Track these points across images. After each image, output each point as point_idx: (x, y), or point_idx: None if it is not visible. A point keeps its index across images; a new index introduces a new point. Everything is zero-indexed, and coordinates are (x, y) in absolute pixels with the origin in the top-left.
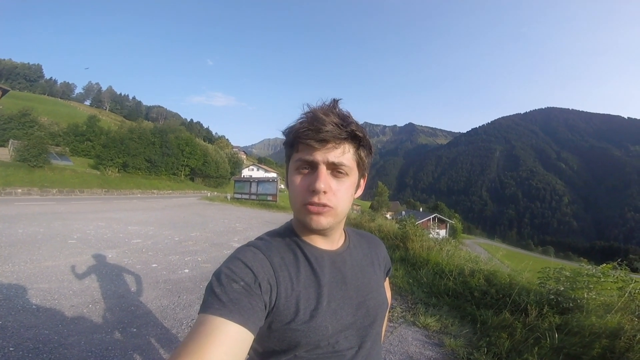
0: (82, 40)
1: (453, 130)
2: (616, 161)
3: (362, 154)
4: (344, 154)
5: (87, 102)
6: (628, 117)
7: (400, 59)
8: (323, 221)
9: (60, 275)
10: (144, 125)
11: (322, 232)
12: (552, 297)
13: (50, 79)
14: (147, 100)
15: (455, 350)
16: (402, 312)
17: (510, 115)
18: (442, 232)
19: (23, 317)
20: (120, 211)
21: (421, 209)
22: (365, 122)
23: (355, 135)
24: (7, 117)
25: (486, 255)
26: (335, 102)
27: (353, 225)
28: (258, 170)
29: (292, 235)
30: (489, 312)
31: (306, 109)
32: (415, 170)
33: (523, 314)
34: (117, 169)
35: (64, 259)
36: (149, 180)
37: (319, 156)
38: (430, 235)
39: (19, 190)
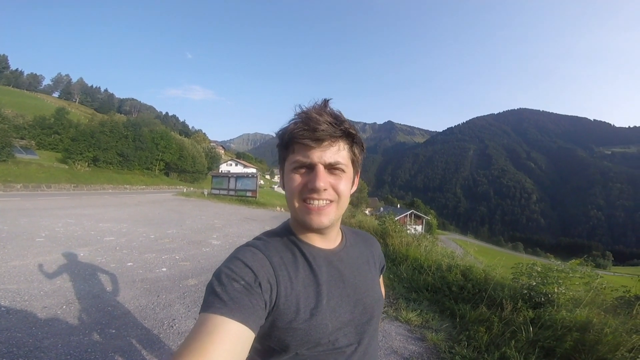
0: (51, 31)
1: (430, 129)
2: (581, 161)
3: (356, 151)
4: (339, 152)
5: (56, 94)
6: (594, 119)
7: (381, 57)
8: (324, 219)
9: (29, 275)
10: (116, 118)
11: (321, 231)
12: (525, 292)
13: (17, 70)
14: (120, 93)
15: (437, 344)
16: (384, 308)
17: (484, 116)
18: (419, 228)
19: None
20: (91, 207)
21: (398, 206)
22: None
23: (349, 133)
24: None
25: (461, 251)
26: (326, 102)
27: None
28: (237, 165)
29: (290, 234)
30: (466, 307)
31: (298, 110)
32: (393, 168)
33: (499, 309)
34: (87, 163)
35: (32, 258)
36: (121, 175)
37: (316, 157)
38: (408, 231)
39: None
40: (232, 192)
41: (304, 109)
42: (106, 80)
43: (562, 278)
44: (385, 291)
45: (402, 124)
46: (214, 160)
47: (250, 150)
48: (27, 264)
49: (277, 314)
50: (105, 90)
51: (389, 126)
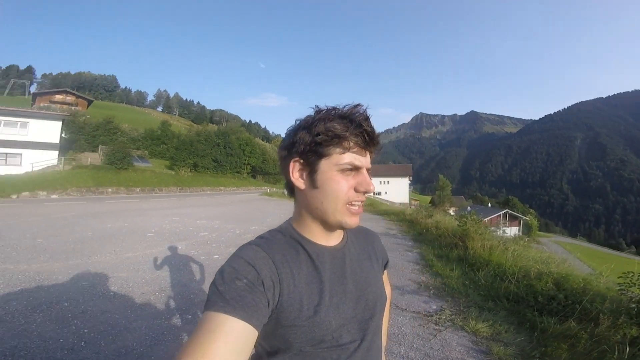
0: (150, 51)
1: (523, 117)
2: None
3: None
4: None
5: (159, 109)
6: None
7: (457, 46)
8: (359, 220)
9: (137, 265)
10: (209, 128)
11: (334, 230)
12: (634, 306)
13: (125, 88)
14: (210, 105)
15: (503, 358)
16: (451, 315)
17: (589, 100)
18: (514, 230)
19: (101, 303)
20: (192, 207)
21: (489, 205)
22: (421, 113)
23: (379, 143)
24: (95, 125)
25: (565, 255)
26: (359, 106)
27: (408, 222)
28: None
29: (293, 232)
30: (551, 320)
31: (337, 110)
32: (481, 162)
33: (592, 324)
34: (189, 169)
35: (142, 250)
36: (216, 178)
37: (365, 162)
38: (498, 233)
39: (109, 190)
40: None
41: (348, 110)
42: (197, 94)
43: None
44: (456, 298)
45: (488, 113)
46: None
47: None
48: (137, 255)
49: (281, 311)
50: (198, 103)
51: (473, 117)
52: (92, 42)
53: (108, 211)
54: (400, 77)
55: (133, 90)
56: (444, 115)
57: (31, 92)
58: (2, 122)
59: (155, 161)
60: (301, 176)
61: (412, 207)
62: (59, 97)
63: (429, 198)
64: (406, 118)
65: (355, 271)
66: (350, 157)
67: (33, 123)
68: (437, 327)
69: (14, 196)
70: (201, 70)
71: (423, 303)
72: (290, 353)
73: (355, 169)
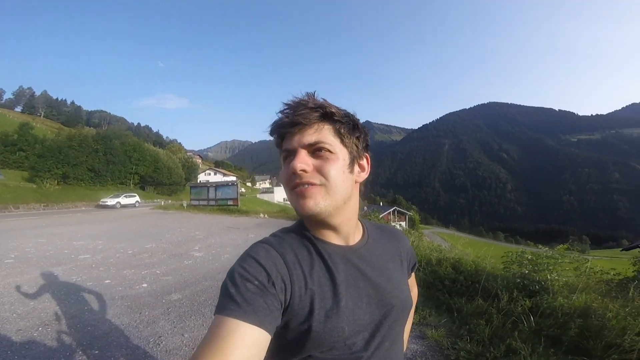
0: (9, 43)
1: (406, 127)
2: (550, 150)
3: (343, 130)
4: (319, 132)
5: (18, 109)
6: (559, 110)
7: (349, 58)
8: (310, 203)
9: None
10: (85, 131)
11: (316, 218)
12: (519, 280)
13: None
14: (89, 105)
15: (439, 340)
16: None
17: (457, 111)
18: (403, 224)
19: None
20: (63, 225)
21: (381, 203)
22: None
23: (327, 112)
24: None
25: (446, 244)
26: (309, 94)
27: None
28: (216, 174)
29: (305, 231)
30: (461, 300)
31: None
32: (373, 167)
33: (495, 300)
34: (56, 181)
35: (2, 279)
36: (93, 191)
37: (296, 142)
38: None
39: None
40: (212, 202)
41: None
42: (73, 93)
43: (552, 264)
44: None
45: (379, 123)
46: (191, 170)
47: (229, 158)
48: None
49: (291, 314)
50: (72, 103)
51: (367, 126)
52: None
53: None
54: (302, 82)
55: None
56: None
57: None
58: None
59: (10, 172)
60: None
61: None
62: None
63: None
64: None
65: (376, 273)
66: (284, 145)
67: None
68: None
69: None
70: (80, 66)
71: None
72: (298, 357)
73: (291, 153)
